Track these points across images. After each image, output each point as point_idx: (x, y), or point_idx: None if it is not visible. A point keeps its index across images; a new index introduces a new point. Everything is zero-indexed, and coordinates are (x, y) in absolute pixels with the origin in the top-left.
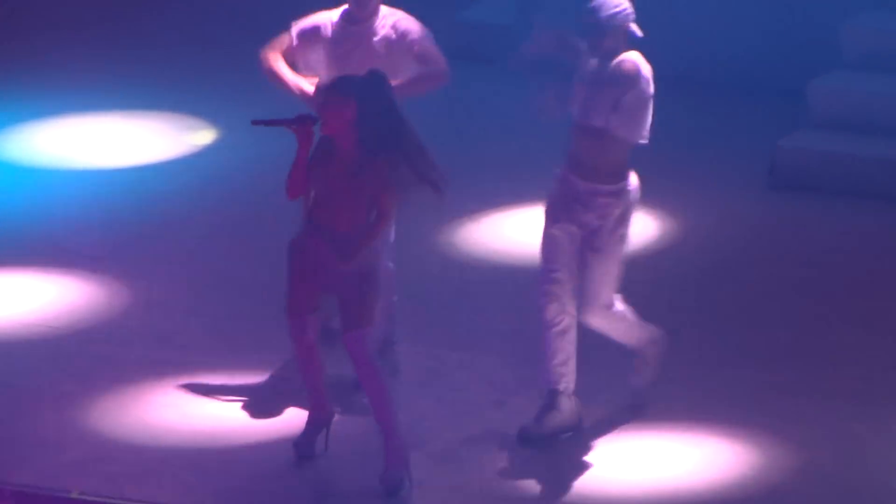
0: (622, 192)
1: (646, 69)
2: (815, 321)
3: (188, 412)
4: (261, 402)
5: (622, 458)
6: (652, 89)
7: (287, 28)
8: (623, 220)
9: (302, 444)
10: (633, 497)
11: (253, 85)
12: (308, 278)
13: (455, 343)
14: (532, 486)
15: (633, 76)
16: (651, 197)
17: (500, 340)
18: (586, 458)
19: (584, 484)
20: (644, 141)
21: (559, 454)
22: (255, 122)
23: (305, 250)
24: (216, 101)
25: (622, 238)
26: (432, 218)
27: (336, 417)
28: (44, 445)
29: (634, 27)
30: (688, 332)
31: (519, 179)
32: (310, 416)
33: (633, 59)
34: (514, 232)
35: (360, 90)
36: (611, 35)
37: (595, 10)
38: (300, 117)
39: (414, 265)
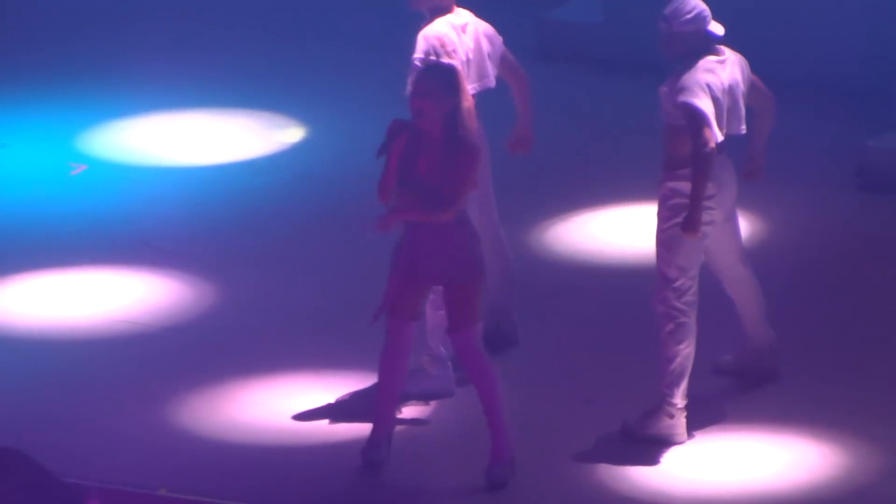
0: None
1: (699, 80)
2: None
3: (277, 410)
4: (349, 402)
5: (708, 458)
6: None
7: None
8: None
9: (369, 452)
10: (719, 498)
11: (342, 83)
12: (413, 280)
13: (543, 341)
14: (619, 483)
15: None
16: (745, 195)
17: (588, 338)
18: (672, 457)
19: (670, 484)
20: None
21: (646, 452)
22: (379, 155)
23: (410, 251)
24: (305, 98)
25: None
26: (522, 218)
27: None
28: (131, 443)
29: (714, 27)
30: (777, 321)
31: (607, 179)
32: (375, 427)
33: (692, 75)
34: (602, 232)
35: (455, 82)
36: (681, 42)
37: (665, 19)
38: (397, 127)
39: None
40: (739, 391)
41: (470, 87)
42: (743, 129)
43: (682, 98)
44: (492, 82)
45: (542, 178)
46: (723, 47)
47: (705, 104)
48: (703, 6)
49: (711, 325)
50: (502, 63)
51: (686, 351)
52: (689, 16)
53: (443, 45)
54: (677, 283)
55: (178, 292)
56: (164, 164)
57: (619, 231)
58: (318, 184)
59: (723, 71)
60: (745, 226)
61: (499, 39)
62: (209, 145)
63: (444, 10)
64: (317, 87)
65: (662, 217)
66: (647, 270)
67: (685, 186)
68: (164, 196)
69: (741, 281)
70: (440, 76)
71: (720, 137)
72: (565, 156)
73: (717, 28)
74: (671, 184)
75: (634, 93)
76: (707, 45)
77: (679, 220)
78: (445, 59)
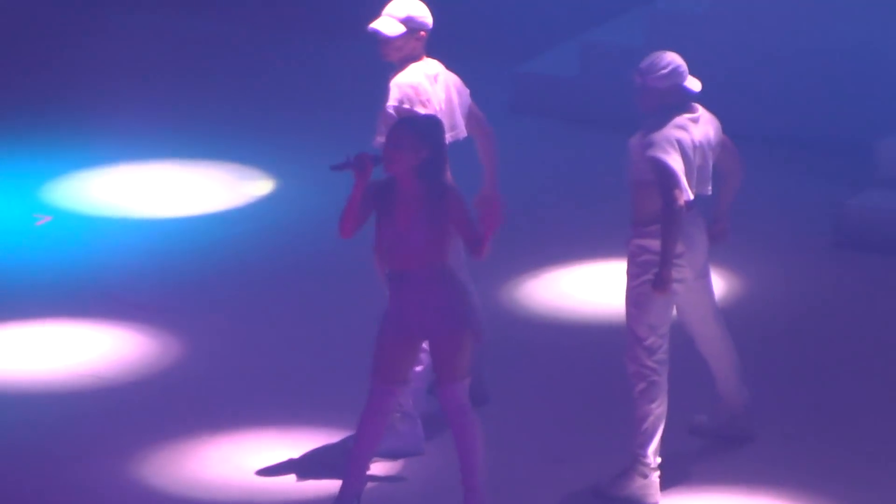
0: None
1: (670, 136)
2: (883, 382)
3: (243, 467)
4: (317, 458)
5: None
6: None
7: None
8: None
9: None
10: None
11: (312, 135)
12: (401, 339)
13: (514, 400)
14: None
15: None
16: (719, 253)
17: (559, 397)
18: None
19: None
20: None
21: None
22: (333, 168)
23: (397, 308)
24: (274, 150)
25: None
26: (493, 274)
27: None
28: (94, 499)
29: (690, 82)
30: (753, 382)
31: (579, 235)
32: (345, 484)
33: (662, 131)
34: (574, 289)
35: (430, 134)
36: (655, 96)
37: (640, 73)
38: (360, 157)
39: None
40: (714, 452)
41: None
42: (709, 189)
43: (651, 153)
44: (463, 132)
45: (513, 233)
46: (697, 105)
47: (675, 160)
48: (680, 61)
49: (686, 384)
50: (469, 117)
51: (658, 410)
52: (664, 70)
53: (416, 95)
54: (647, 342)
55: (144, 346)
56: (130, 216)
57: (592, 288)
58: (287, 237)
59: (695, 128)
60: (719, 284)
61: (466, 91)
62: (176, 197)
63: (414, 60)
64: (286, 139)
65: (632, 274)
66: (619, 328)
67: (654, 243)
68: (130, 248)
69: (714, 340)
70: (414, 127)
71: (690, 195)
72: (537, 211)
73: (693, 84)
74: (640, 240)
75: (609, 148)
76: (682, 100)
77: (648, 277)
78: (419, 108)
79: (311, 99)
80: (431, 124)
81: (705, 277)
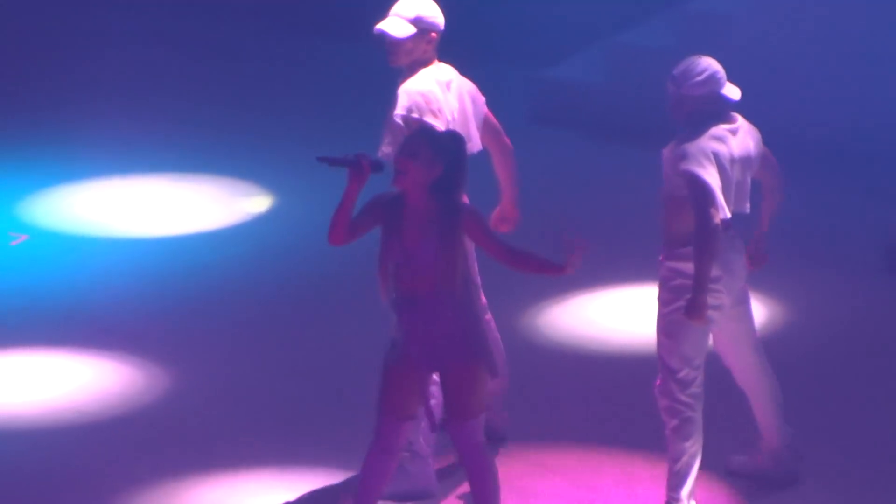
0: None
1: (705, 149)
2: None
3: None
4: (313, 502)
5: None
6: (712, 168)
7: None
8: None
9: None
10: None
11: (312, 148)
12: (409, 371)
13: (534, 436)
14: None
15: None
16: (760, 277)
17: (584, 433)
18: None
19: None
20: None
21: None
22: (320, 159)
23: (404, 338)
24: (272, 166)
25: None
26: (512, 300)
27: None
28: None
29: (729, 90)
30: (797, 419)
31: (606, 257)
32: None
33: (697, 143)
34: (601, 316)
35: (448, 149)
36: (691, 105)
37: (674, 80)
38: (359, 157)
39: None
40: (754, 494)
41: None
42: (747, 207)
43: (685, 166)
44: (478, 145)
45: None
46: (736, 115)
47: (710, 175)
48: (717, 67)
49: (723, 420)
50: (485, 127)
51: (693, 449)
52: (699, 77)
53: (427, 103)
54: (681, 374)
55: (129, 377)
56: (115, 235)
57: (620, 315)
58: (286, 257)
59: (733, 140)
60: (760, 311)
61: (481, 99)
62: (166, 214)
63: (424, 64)
64: (285, 152)
65: (663, 300)
66: (649, 359)
67: (688, 266)
68: (114, 270)
69: (754, 371)
70: (433, 140)
71: (727, 213)
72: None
73: (732, 92)
74: (672, 263)
75: (638, 161)
76: (719, 110)
77: (682, 303)
78: (429, 118)
79: (311, 110)
80: (453, 140)
81: (744, 304)
